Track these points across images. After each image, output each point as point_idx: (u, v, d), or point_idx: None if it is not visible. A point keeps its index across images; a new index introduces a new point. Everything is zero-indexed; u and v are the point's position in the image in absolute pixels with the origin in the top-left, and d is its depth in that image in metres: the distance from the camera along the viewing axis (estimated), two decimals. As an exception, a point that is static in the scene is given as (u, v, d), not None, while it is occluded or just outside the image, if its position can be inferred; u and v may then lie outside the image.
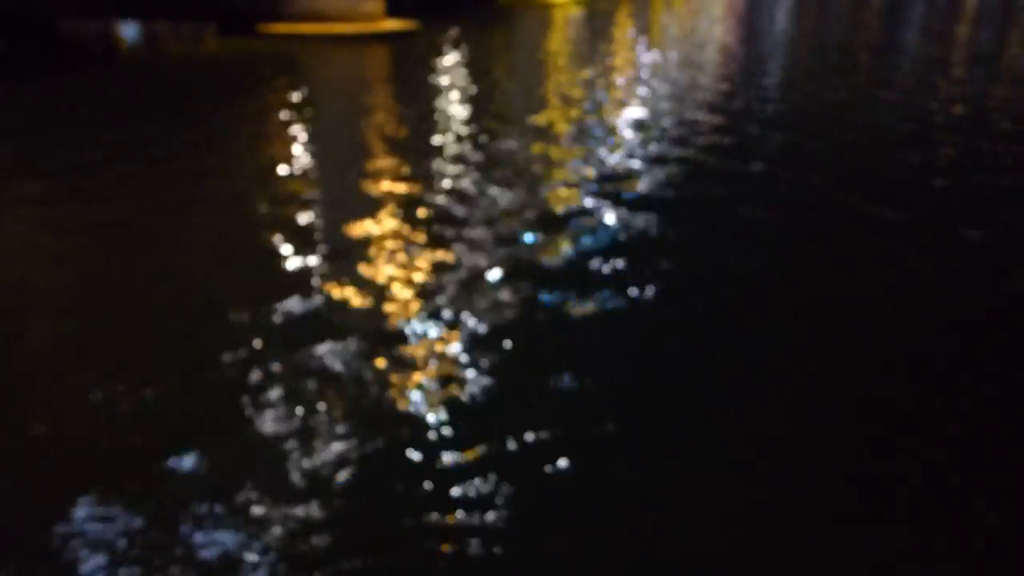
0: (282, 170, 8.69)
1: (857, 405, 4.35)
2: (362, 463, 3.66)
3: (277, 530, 3.30)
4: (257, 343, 4.71)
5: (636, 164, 8.77)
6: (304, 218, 6.94)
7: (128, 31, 23.40)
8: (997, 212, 7.72)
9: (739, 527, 3.39)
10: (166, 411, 4.07)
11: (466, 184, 8.00)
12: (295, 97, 13.95)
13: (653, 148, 9.44)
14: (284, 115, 11.84)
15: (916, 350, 5.03)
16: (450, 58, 18.90)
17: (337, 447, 3.78)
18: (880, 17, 39.14)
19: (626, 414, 4.08)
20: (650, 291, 5.53)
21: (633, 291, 5.52)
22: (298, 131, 10.83)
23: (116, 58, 19.68)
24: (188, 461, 3.71)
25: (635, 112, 12.16)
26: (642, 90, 14.34)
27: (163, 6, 22.47)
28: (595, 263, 5.98)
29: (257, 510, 3.40)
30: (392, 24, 23.13)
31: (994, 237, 7.02)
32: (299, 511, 3.36)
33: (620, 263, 5.99)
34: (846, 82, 16.19)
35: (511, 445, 3.80)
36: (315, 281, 5.63)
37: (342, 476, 3.58)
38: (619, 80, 15.64)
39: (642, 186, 7.93)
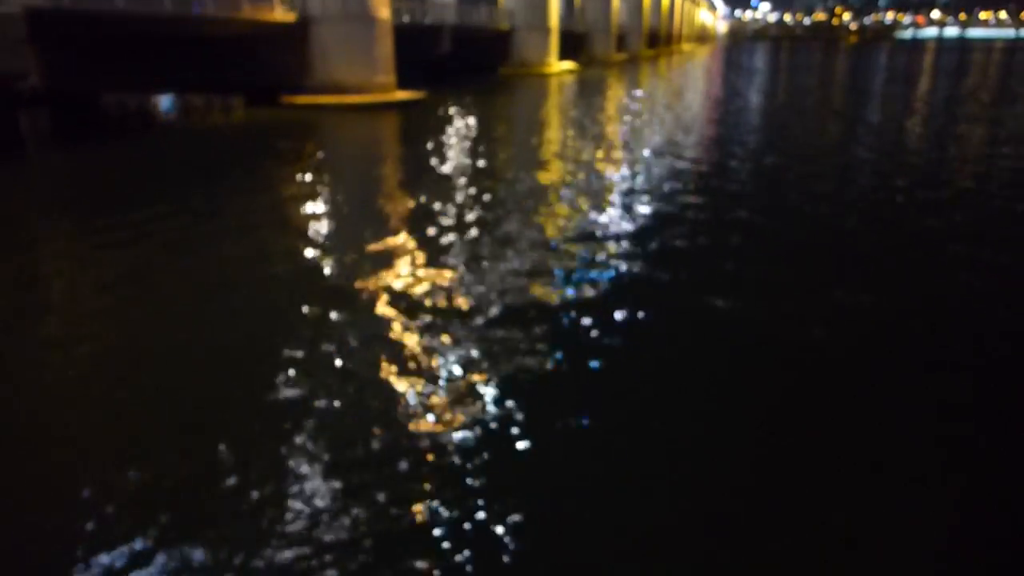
0: (303, 226, 10.02)
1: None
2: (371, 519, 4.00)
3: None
4: (279, 393, 5.32)
5: (632, 220, 9.97)
6: (321, 268, 7.99)
7: (164, 103, 25.72)
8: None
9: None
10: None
11: (470, 239, 9.13)
12: (315, 158, 15.94)
13: (645, 202, 10.70)
14: (305, 175, 13.67)
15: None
16: (454, 122, 21.04)
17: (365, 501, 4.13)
18: (849, 72, 42.12)
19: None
20: (658, 342, 6.24)
21: (640, 347, 6.14)
22: (317, 188, 12.55)
23: (154, 128, 21.86)
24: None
25: (627, 169, 13.90)
26: (632, 148, 16.24)
27: (196, 81, 24.79)
28: (592, 315, 6.62)
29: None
30: (403, 94, 25.44)
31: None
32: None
33: (619, 318, 6.60)
34: (818, 142, 18.19)
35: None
36: (332, 328, 6.46)
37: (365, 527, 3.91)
38: (610, 139, 17.62)
39: (639, 239, 9.03)
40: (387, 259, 8.26)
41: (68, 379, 5.74)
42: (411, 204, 11.09)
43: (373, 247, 8.59)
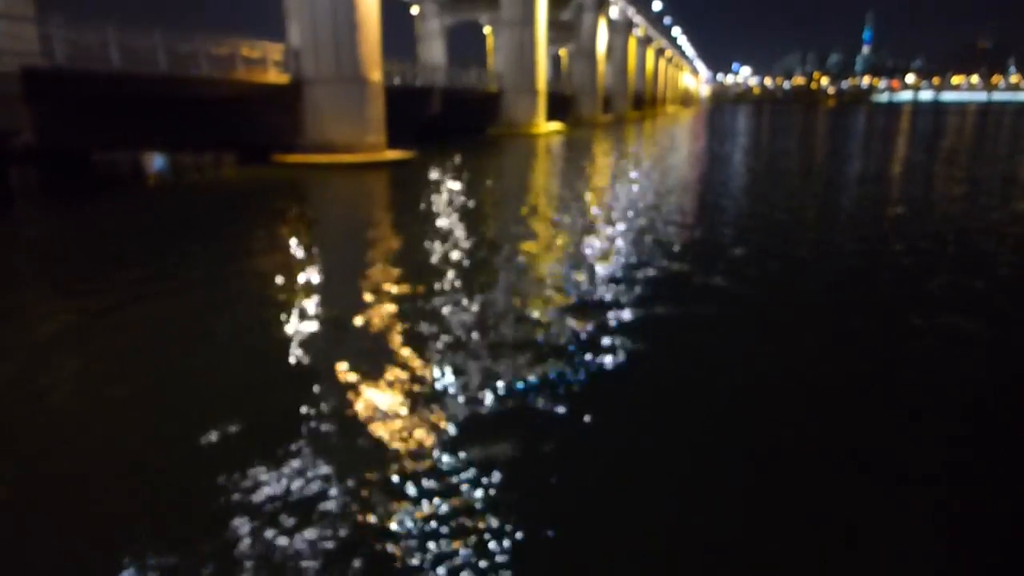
0: (289, 283, 9.99)
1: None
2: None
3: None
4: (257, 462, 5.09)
5: (617, 282, 9.96)
6: (301, 340, 7.70)
7: (156, 161, 25.95)
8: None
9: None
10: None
11: (456, 298, 9.08)
12: (304, 219, 16.06)
13: (628, 267, 10.67)
14: (293, 237, 13.72)
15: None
16: (443, 182, 21.32)
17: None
18: (830, 133, 43.37)
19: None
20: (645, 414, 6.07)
21: (631, 414, 6.00)
22: (304, 252, 12.54)
23: (144, 186, 22.00)
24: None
25: (611, 231, 14.01)
26: (616, 209, 16.46)
27: (188, 139, 25.08)
28: (578, 381, 6.50)
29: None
30: (393, 153, 25.85)
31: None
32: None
33: (606, 384, 6.47)
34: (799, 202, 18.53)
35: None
36: (314, 388, 6.35)
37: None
38: (595, 201, 17.86)
39: (625, 302, 8.98)
40: (366, 329, 8.01)
41: (31, 454, 5.57)
42: (396, 268, 10.98)
43: (354, 317, 8.34)
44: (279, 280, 10.11)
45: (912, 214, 16.46)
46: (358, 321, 8.24)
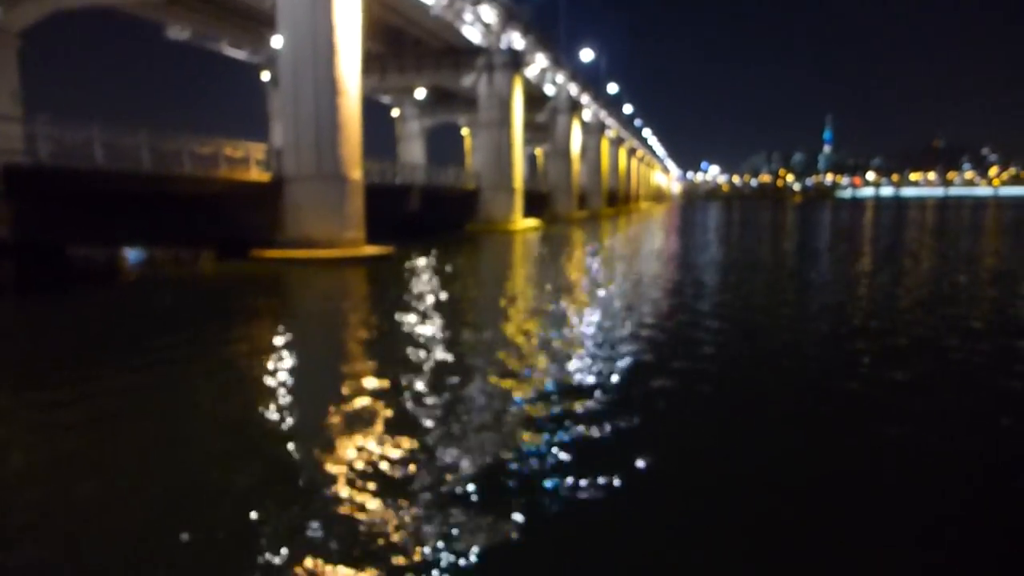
0: (265, 379, 9.82)
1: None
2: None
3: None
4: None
5: (596, 374, 9.95)
6: (279, 425, 7.69)
7: (132, 256, 25.95)
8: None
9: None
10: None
11: (434, 393, 8.94)
12: (281, 317, 15.95)
13: (604, 367, 10.47)
14: (270, 327, 13.64)
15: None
16: (421, 277, 21.50)
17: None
18: (798, 227, 44.80)
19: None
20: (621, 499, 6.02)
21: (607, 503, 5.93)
22: (282, 341, 12.47)
23: (119, 281, 21.90)
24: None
25: (590, 321, 14.15)
26: (591, 305, 16.59)
27: (166, 235, 25.20)
28: (553, 476, 6.39)
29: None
30: (371, 249, 26.12)
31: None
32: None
33: (584, 479, 6.30)
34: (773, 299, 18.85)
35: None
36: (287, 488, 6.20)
37: None
38: (570, 297, 18.01)
39: (602, 393, 8.93)
40: (336, 435, 7.70)
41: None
42: (371, 367, 10.72)
43: (325, 421, 8.08)
44: (249, 378, 9.93)
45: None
46: (326, 425, 8.00)
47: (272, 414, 8.25)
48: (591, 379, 9.58)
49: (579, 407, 8.32)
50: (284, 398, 9.04)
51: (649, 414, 8.17)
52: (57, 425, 7.98)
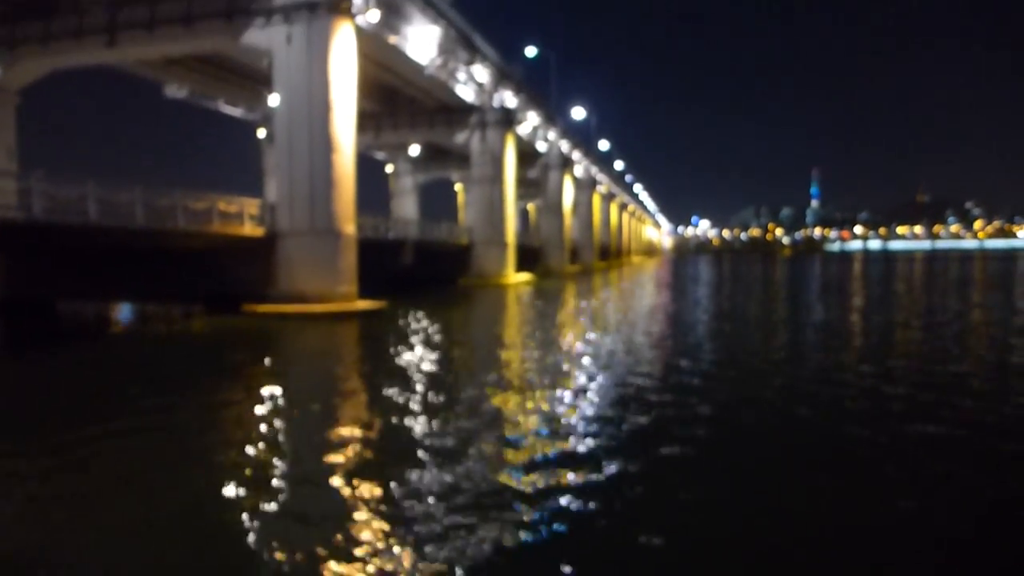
0: (255, 437, 9.65)
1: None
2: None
3: None
4: None
5: (588, 436, 9.79)
6: (268, 484, 7.54)
7: (122, 311, 25.77)
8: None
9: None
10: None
11: (423, 453, 8.80)
12: (271, 373, 15.70)
13: (593, 425, 10.35)
14: (261, 383, 13.38)
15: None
16: (413, 332, 21.36)
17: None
18: (789, 280, 45.02)
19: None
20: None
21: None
22: (273, 397, 12.23)
23: (109, 337, 21.69)
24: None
25: (583, 378, 13.93)
26: (583, 361, 16.41)
27: (157, 290, 25.11)
28: (546, 544, 6.33)
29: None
30: (364, 303, 26.05)
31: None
32: None
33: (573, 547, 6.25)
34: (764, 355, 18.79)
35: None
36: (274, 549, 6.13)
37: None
38: (562, 352, 17.88)
39: (594, 457, 8.79)
40: (325, 497, 7.53)
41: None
42: (360, 429, 10.42)
43: (314, 480, 7.93)
44: (234, 437, 9.70)
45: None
46: (312, 485, 7.80)
47: (240, 494, 7.68)
48: (583, 448, 9.16)
49: (572, 478, 7.99)
50: (258, 475, 8.35)
51: (641, 481, 8.01)
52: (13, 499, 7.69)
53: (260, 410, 11.53)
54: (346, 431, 10.23)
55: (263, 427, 10.40)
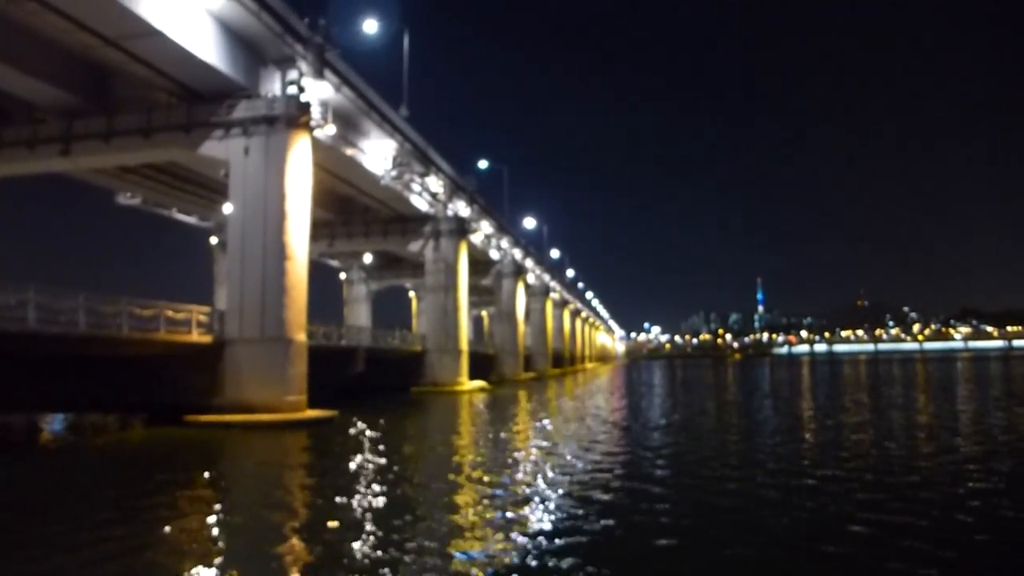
0: (198, 553, 9.21)
1: None
2: None
3: None
4: None
5: (547, 535, 9.73)
6: None
7: (54, 422, 24.47)
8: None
9: None
10: None
11: (377, 563, 8.52)
12: (214, 479, 14.93)
13: (556, 516, 10.38)
14: (203, 496, 12.62)
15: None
16: (363, 442, 20.75)
17: None
18: (739, 383, 45.63)
19: None
20: None
21: None
22: (215, 511, 11.56)
23: (37, 450, 20.48)
24: None
25: (541, 482, 13.66)
26: (535, 468, 16.10)
27: (93, 399, 24.08)
28: None
29: None
30: (313, 412, 25.34)
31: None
32: None
33: None
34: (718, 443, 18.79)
35: None
36: None
37: None
38: (515, 462, 17.54)
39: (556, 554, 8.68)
40: None
41: None
42: (299, 545, 9.88)
43: None
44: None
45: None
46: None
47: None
48: (534, 563, 8.72)
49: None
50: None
51: None
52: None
53: (186, 551, 10.82)
54: (281, 545, 9.67)
55: (191, 549, 9.75)
